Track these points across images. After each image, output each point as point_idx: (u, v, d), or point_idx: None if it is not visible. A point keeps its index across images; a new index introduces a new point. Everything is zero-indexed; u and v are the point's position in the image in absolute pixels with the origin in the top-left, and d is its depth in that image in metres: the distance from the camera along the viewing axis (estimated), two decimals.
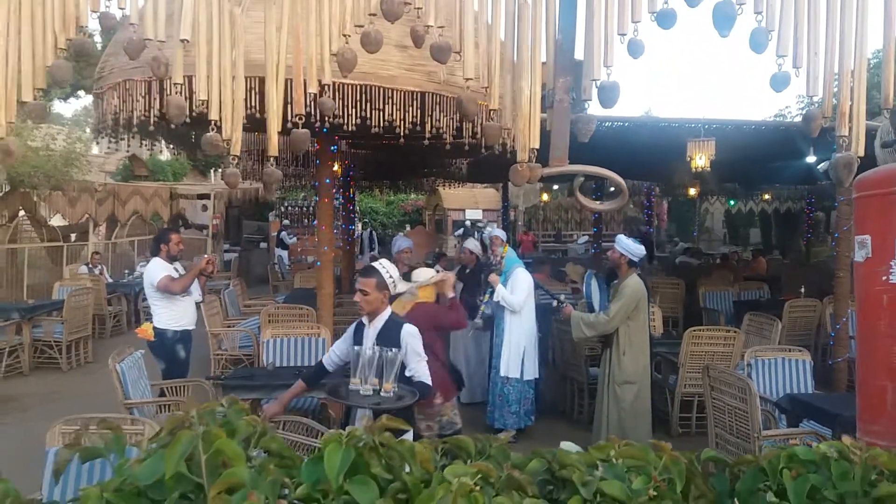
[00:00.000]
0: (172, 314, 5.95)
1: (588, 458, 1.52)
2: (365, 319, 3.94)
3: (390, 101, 4.88)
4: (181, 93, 2.17)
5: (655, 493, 1.39)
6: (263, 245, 21.23)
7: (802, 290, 9.49)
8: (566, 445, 1.59)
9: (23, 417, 6.87)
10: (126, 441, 1.41)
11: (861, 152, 2.21)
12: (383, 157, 10.67)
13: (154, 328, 5.88)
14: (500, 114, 2.22)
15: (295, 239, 19.39)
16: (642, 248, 5.45)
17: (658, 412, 6.10)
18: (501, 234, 6.87)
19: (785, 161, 10.35)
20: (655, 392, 6.03)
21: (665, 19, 2.09)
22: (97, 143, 12.68)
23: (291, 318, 7.32)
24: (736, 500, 1.43)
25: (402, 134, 5.03)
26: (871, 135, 6.66)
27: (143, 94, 4.91)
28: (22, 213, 12.96)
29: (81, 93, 21.68)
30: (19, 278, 11.19)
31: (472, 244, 7.70)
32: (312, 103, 2.32)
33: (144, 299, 12.10)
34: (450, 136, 5.25)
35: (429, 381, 3.80)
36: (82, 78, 19.25)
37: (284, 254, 18.86)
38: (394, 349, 3.70)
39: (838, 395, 6.04)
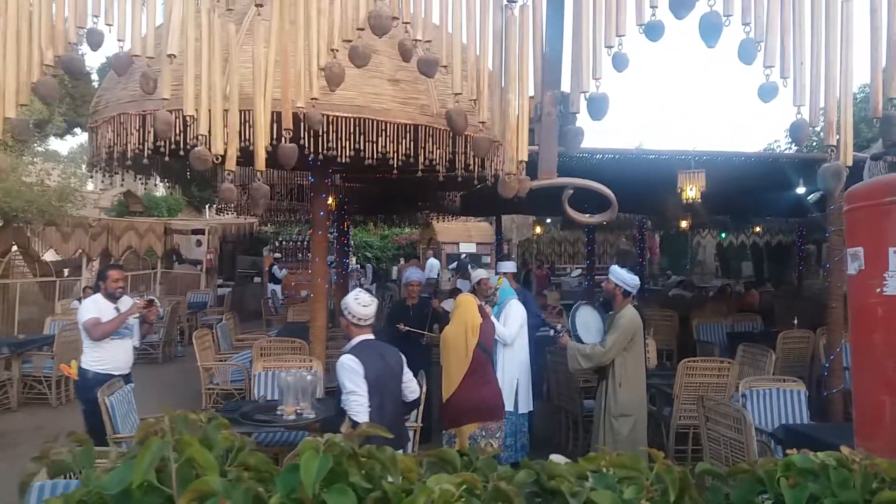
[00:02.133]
0: (97, 354, 5.59)
1: (578, 468, 1.47)
2: None
3: (384, 133, 4.93)
4: (176, 114, 2.17)
5: (648, 503, 1.34)
6: (257, 279, 21.19)
7: (796, 321, 9.50)
8: (555, 458, 1.54)
9: (13, 453, 6.76)
10: (95, 454, 1.35)
11: (849, 161, 2.20)
12: (377, 190, 10.73)
13: (79, 367, 5.58)
14: (490, 127, 2.23)
15: (285, 272, 19.34)
16: (636, 278, 5.47)
17: (653, 444, 6.05)
18: (511, 266, 7.03)
19: (775, 193, 10.45)
20: (650, 424, 5.99)
21: (653, 31, 2.09)
22: (91, 177, 12.71)
23: (284, 352, 7.29)
24: None
25: (395, 166, 5.08)
26: (861, 165, 6.76)
27: (136, 128, 4.94)
28: (14, 248, 12.93)
29: (77, 130, 21.79)
30: (11, 314, 11.12)
31: (418, 274, 7.53)
32: (301, 122, 2.32)
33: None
34: (443, 169, 5.30)
35: (355, 418, 3.70)
36: (78, 116, 19.40)
37: (278, 288, 18.82)
38: (309, 375, 4.05)
39: (834, 426, 6.01)
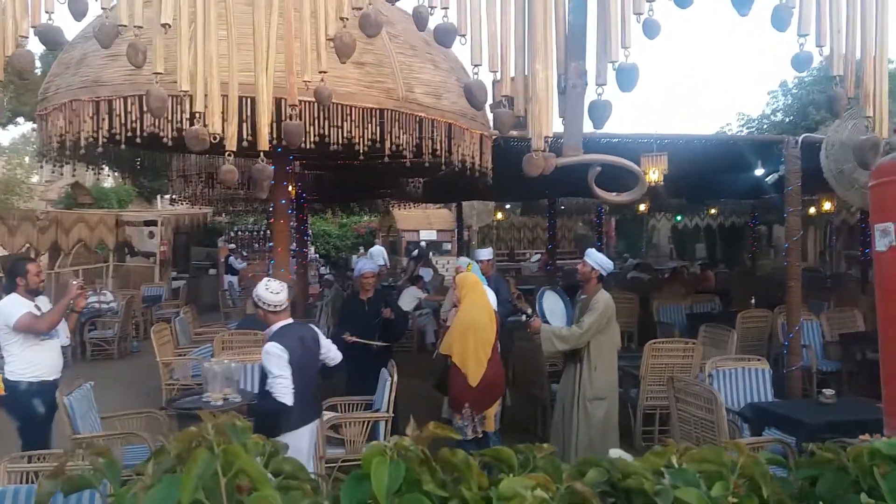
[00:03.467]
0: (27, 361, 5.04)
1: (649, 464, 1.36)
2: None
3: (349, 118, 4.82)
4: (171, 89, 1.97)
5: (736, 500, 1.25)
6: (213, 271, 20.75)
7: (753, 301, 9.69)
8: (616, 452, 1.43)
9: None
10: (120, 467, 1.23)
11: (885, 134, 2.14)
12: (337, 178, 10.57)
13: (5, 380, 5.03)
14: (515, 100, 2.09)
15: (245, 264, 18.99)
16: (611, 262, 5.48)
17: (621, 426, 6.11)
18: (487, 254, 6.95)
19: (732, 175, 10.60)
20: (619, 406, 6.04)
21: None
22: (41, 167, 12.24)
23: (246, 344, 7.14)
24: (821, 502, 1.30)
25: (361, 151, 4.98)
26: (817, 147, 6.87)
27: (90, 115, 4.73)
28: None
29: (21, 119, 20.97)
30: None
31: (370, 265, 7.03)
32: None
33: (91, 330, 11.74)
34: (409, 154, 5.21)
35: (281, 399, 3.96)
36: (21, 104, 18.64)
37: (235, 279, 18.45)
38: (234, 363, 4.35)
39: (799, 402, 6.15)
